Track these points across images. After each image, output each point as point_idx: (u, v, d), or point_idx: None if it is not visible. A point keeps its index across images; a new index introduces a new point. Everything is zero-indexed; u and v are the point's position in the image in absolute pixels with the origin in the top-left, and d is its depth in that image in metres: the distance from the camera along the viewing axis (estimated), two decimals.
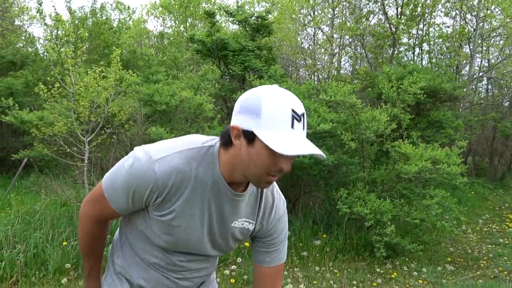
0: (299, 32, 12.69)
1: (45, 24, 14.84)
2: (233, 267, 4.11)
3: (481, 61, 13.89)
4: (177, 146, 1.08)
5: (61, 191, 5.48)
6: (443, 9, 12.54)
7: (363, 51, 13.23)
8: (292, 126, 0.96)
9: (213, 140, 1.12)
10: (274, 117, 0.95)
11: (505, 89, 14.25)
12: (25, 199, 6.89)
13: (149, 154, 1.06)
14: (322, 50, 12.75)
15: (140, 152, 1.07)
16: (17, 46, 14.16)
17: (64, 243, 4.20)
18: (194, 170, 1.07)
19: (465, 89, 9.62)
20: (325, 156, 0.99)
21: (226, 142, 1.06)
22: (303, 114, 0.99)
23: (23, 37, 14.55)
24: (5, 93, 9.21)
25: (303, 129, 0.99)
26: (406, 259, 4.99)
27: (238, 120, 1.00)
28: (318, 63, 12.50)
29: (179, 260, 1.21)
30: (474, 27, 11.52)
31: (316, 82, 11.39)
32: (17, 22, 14.97)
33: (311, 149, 0.96)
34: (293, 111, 0.96)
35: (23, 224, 4.69)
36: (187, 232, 1.14)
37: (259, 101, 0.97)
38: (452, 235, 6.23)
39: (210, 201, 1.11)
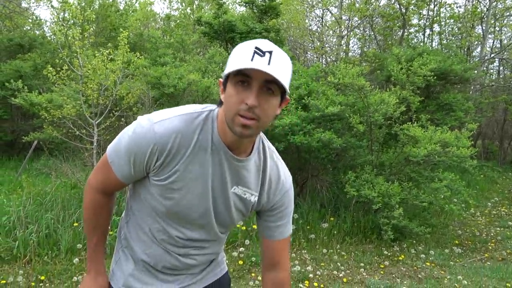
0: (307, 14, 12.50)
1: (52, 6, 14.81)
2: (241, 249, 4.16)
3: (493, 42, 13.62)
4: (178, 111, 1.10)
5: (71, 173, 5.55)
6: None
7: (372, 32, 13.02)
8: (252, 59, 0.94)
9: (214, 106, 1.14)
10: (235, 56, 0.98)
11: None
12: (36, 181, 6.99)
13: (150, 118, 1.09)
14: (331, 32, 12.57)
15: (142, 119, 1.10)
16: (24, 28, 14.15)
17: (75, 224, 4.28)
18: (194, 134, 1.08)
19: (476, 71, 9.45)
20: (278, 78, 0.94)
21: (219, 103, 1.09)
22: (269, 52, 0.96)
23: (30, 20, 14.52)
24: (14, 76, 9.26)
25: (268, 64, 0.94)
26: (414, 241, 5.00)
27: (223, 75, 1.04)
28: (326, 46, 12.34)
29: (181, 234, 1.20)
30: (487, 7, 11.23)
31: (324, 65, 11.27)
32: (24, 5, 14.92)
33: (271, 66, 0.94)
34: (256, 47, 0.96)
35: (34, 205, 4.78)
36: (188, 198, 1.13)
37: (236, 50, 1.01)
38: (461, 218, 6.22)
39: (211, 166, 1.11)
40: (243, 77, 0.96)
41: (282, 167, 1.27)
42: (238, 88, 0.97)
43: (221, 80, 1.05)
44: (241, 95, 0.97)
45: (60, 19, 14.05)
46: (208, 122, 1.10)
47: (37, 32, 14.11)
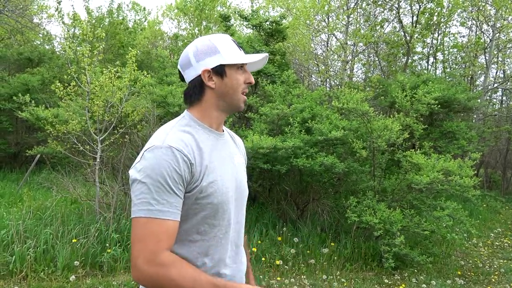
0: (313, 38, 12.68)
1: (63, 22, 15.11)
2: None
3: (497, 72, 13.74)
4: (165, 128, 1.21)
5: (72, 188, 5.55)
6: (459, 19, 12.44)
7: (377, 59, 13.17)
8: (240, 49, 1.25)
9: (179, 116, 1.30)
10: (227, 47, 1.23)
11: None
12: (36, 195, 6.98)
13: (156, 145, 1.13)
14: (335, 56, 12.71)
15: (144, 160, 1.12)
16: (35, 43, 14.41)
17: (74, 240, 4.24)
18: (192, 133, 1.21)
19: (479, 100, 9.50)
20: (267, 54, 1.29)
21: (198, 96, 1.25)
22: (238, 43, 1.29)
23: (40, 35, 14.81)
24: (22, 89, 9.37)
25: (244, 50, 1.27)
26: (415, 270, 4.92)
27: (203, 65, 1.22)
28: (331, 70, 12.46)
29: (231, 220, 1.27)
30: (490, 38, 11.38)
31: (328, 89, 11.36)
32: (35, 20, 15.23)
33: (262, 54, 1.27)
34: (233, 40, 1.26)
35: (34, 219, 4.76)
36: (223, 183, 1.21)
37: (209, 43, 1.23)
38: (463, 248, 6.13)
39: (217, 150, 1.25)
40: (241, 64, 1.25)
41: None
42: (239, 72, 1.24)
43: (207, 69, 1.22)
44: (243, 76, 1.25)
45: (71, 35, 14.33)
46: (189, 122, 1.24)
47: (47, 47, 14.37)
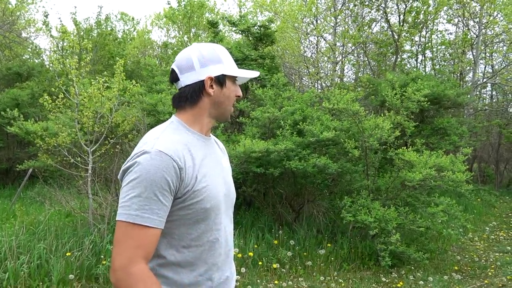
0: (302, 41, 12.74)
1: (51, 36, 15.06)
2: (237, 277, 4.08)
3: (485, 67, 13.85)
4: (155, 132, 1.21)
5: (65, 201, 5.50)
6: (445, 16, 12.56)
7: (366, 58, 13.26)
8: (237, 66, 1.33)
9: (167, 121, 1.30)
10: (228, 58, 1.29)
11: (510, 95, 14.18)
12: (29, 210, 6.92)
13: (146, 151, 1.12)
14: (325, 58, 12.78)
15: (133, 164, 1.12)
16: (24, 57, 14.34)
17: (68, 253, 4.20)
18: (182, 138, 1.21)
19: (469, 96, 9.57)
20: (259, 73, 1.38)
21: (193, 100, 1.25)
22: None
23: (29, 49, 14.74)
24: (11, 104, 9.32)
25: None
26: (412, 267, 4.93)
27: (207, 72, 1.24)
28: (321, 71, 12.52)
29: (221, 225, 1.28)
30: (477, 33, 11.51)
31: (319, 90, 11.41)
32: (23, 34, 15.18)
33: (256, 72, 1.36)
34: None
35: (27, 234, 4.71)
36: (214, 186, 1.22)
37: (214, 52, 1.26)
38: (459, 243, 6.15)
39: (207, 155, 1.26)
40: (235, 77, 1.31)
41: None
42: (234, 84, 1.31)
43: (211, 77, 1.24)
44: (236, 90, 1.32)
45: (59, 48, 14.28)
46: (178, 127, 1.25)
47: (36, 61, 14.30)
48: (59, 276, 3.94)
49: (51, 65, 13.01)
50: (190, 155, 1.17)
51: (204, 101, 1.25)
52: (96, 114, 5.01)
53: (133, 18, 19.41)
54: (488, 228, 7.32)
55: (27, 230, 4.89)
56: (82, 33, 15.06)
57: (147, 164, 1.08)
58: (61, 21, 28.92)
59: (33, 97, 10.18)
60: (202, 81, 1.23)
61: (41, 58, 15.05)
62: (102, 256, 4.26)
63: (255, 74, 1.35)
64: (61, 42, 14.25)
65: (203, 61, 1.23)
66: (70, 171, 5.24)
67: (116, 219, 1.11)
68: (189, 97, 1.24)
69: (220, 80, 1.25)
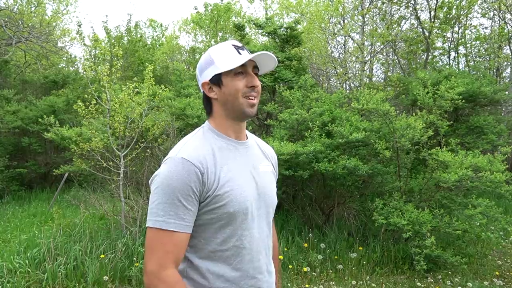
0: (329, 41, 12.59)
1: (84, 44, 15.62)
2: None
3: None
4: (181, 141, 1.23)
5: (99, 204, 5.66)
6: (479, 10, 12.06)
7: (396, 57, 12.94)
8: (240, 54, 1.21)
9: (199, 127, 1.31)
10: (223, 55, 1.21)
11: None
12: (66, 213, 7.18)
13: (171, 157, 1.15)
14: (353, 58, 12.57)
15: (159, 171, 1.16)
16: (60, 66, 14.95)
17: (102, 256, 4.31)
18: (208, 143, 1.22)
19: (507, 92, 9.14)
20: (275, 58, 1.24)
21: (208, 107, 1.28)
22: (243, 45, 1.24)
23: (64, 58, 15.35)
24: (48, 111, 9.72)
25: (249, 53, 1.22)
26: (449, 272, 4.73)
27: (203, 79, 1.25)
28: (349, 72, 12.33)
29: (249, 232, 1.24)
30: None
31: (347, 91, 11.23)
32: (59, 44, 15.82)
33: (261, 53, 1.20)
34: (233, 45, 1.23)
35: (64, 237, 4.88)
36: (241, 192, 1.20)
37: (208, 56, 1.24)
38: (500, 247, 5.86)
39: (236, 159, 1.24)
40: (241, 67, 1.20)
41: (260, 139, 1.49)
42: (238, 78, 1.21)
43: (206, 82, 1.24)
44: (243, 81, 1.21)
45: (92, 56, 14.79)
46: (207, 132, 1.26)
47: (71, 69, 14.88)
48: (94, 278, 4.05)
49: (84, 72, 13.49)
50: (213, 160, 1.18)
51: (215, 106, 1.26)
52: (127, 119, 5.13)
53: (161, 25, 19.86)
54: None
55: (64, 232, 5.07)
56: (113, 41, 15.53)
57: (170, 171, 1.11)
58: (93, 29, 29.97)
59: (68, 104, 10.57)
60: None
61: (76, 66, 15.66)
62: (134, 258, 4.35)
63: (249, 56, 1.19)
64: (93, 50, 14.77)
65: (201, 68, 1.26)
66: (103, 175, 5.39)
67: (146, 225, 1.14)
68: (205, 106, 1.31)
69: (215, 81, 1.23)
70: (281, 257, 4.56)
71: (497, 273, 4.84)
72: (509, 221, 4.85)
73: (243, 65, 1.21)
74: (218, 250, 1.19)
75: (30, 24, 11.96)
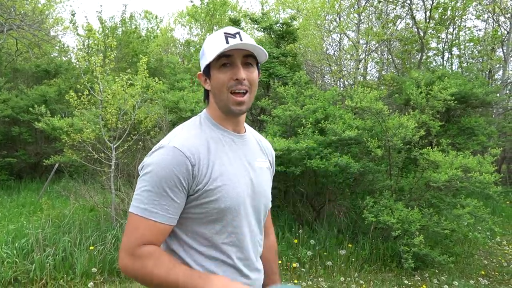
0: (324, 38, 12.59)
1: (78, 34, 15.43)
2: None
3: None
4: (176, 129, 1.19)
5: (89, 196, 5.62)
6: (474, 12, 12.15)
7: (390, 56, 12.99)
8: (227, 42, 1.09)
9: (196, 116, 1.27)
10: (211, 45, 1.13)
11: None
12: (55, 203, 7.12)
13: (158, 148, 1.11)
14: (348, 56, 12.59)
15: (149, 158, 1.12)
16: (52, 55, 14.75)
17: (91, 247, 4.29)
18: (203, 133, 1.17)
19: (498, 94, 9.25)
20: (265, 52, 1.13)
21: (206, 97, 1.25)
22: (237, 33, 1.13)
23: (57, 47, 15.15)
24: (39, 101, 9.61)
25: (241, 40, 1.10)
26: (436, 271, 4.80)
27: (201, 70, 1.20)
28: (343, 69, 12.35)
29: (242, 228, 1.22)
30: (508, 30, 11.10)
31: (341, 89, 11.26)
32: (52, 33, 15.60)
33: (238, 43, 1.09)
34: (225, 33, 1.12)
35: (53, 227, 4.84)
36: (233, 187, 1.15)
37: (203, 47, 1.18)
38: (486, 247, 5.95)
39: (231, 152, 1.19)
40: (226, 58, 1.11)
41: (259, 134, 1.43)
42: (223, 70, 1.12)
43: (200, 73, 1.21)
44: (227, 74, 1.12)
45: (85, 46, 14.62)
46: (204, 121, 1.21)
47: (64, 59, 14.68)
48: (82, 269, 4.03)
49: (77, 62, 13.34)
50: (207, 152, 1.12)
51: (211, 97, 1.22)
52: (120, 111, 5.09)
53: (156, 16, 19.69)
54: None
55: (53, 223, 5.03)
56: (107, 31, 15.37)
57: (160, 159, 1.07)
58: (87, 19, 29.62)
59: (60, 94, 10.45)
60: None
61: (68, 56, 15.46)
62: None
63: (223, 46, 1.08)
64: (87, 40, 14.60)
65: (200, 58, 1.24)
66: (94, 167, 5.35)
67: (129, 210, 1.11)
68: (204, 95, 1.28)
69: (206, 73, 1.18)
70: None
71: (482, 272, 4.92)
72: (496, 222, 4.93)
73: (228, 56, 1.11)
74: (206, 245, 1.15)
75: (22, 12, 11.75)
